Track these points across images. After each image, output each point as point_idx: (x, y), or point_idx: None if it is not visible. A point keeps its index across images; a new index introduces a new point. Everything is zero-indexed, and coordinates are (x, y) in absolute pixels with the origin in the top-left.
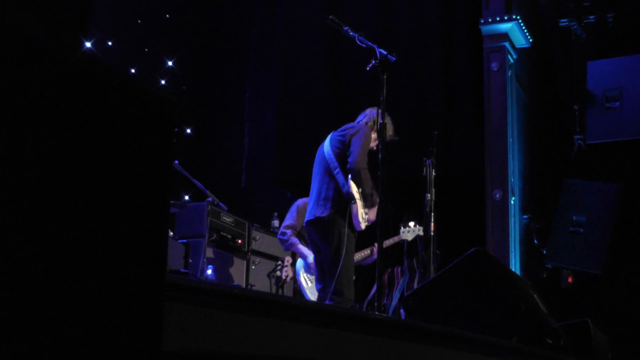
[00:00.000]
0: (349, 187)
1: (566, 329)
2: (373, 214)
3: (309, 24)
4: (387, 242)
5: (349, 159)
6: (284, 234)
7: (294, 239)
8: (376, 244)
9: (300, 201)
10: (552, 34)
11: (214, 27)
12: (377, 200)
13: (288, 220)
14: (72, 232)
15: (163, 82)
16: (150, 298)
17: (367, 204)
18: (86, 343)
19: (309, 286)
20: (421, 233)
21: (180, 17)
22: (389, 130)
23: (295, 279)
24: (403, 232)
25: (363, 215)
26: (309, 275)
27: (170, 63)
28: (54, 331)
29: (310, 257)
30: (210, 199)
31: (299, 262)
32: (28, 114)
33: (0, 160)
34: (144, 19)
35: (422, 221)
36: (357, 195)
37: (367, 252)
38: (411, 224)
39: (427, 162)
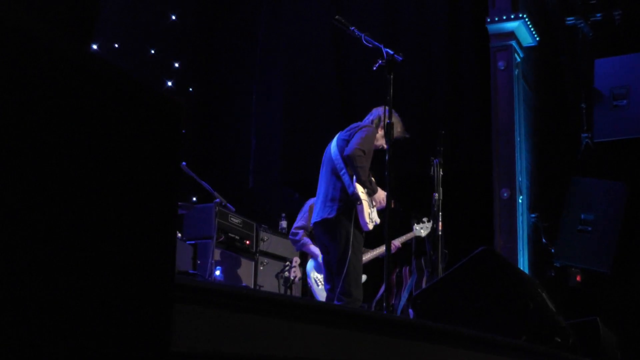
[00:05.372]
0: (355, 187)
1: (575, 328)
2: (381, 200)
3: (315, 24)
4: (401, 240)
5: (346, 147)
6: (295, 234)
7: (306, 239)
8: (396, 240)
9: (311, 201)
10: (558, 32)
11: (220, 28)
12: (376, 187)
13: (300, 221)
14: (80, 235)
15: (170, 83)
16: (159, 299)
17: (368, 192)
18: (95, 344)
19: (319, 287)
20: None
21: (186, 18)
22: (398, 127)
23: (306, 279)
24: (416, 229)
25: (370, 216)
26: (319, 276)
27: (176, 64)
28: (63, 332)
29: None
30: (217, 200)
31: (310, 263)
32: (34, 115)
33: (7, 162)
34: (150, 21)
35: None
36: (363, 196)
37: (381, 249)
38: (424, 219)
39: (435, 161)
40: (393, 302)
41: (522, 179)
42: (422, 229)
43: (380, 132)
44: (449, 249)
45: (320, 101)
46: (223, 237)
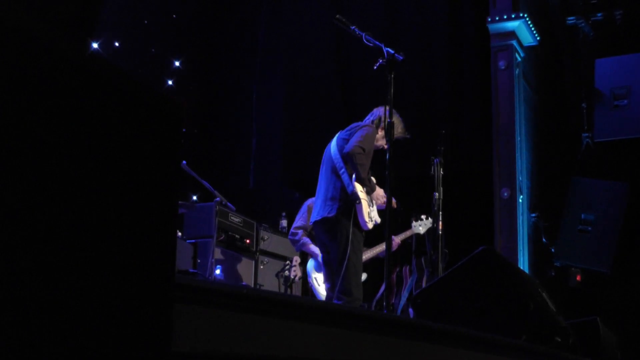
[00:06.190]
0: (354, 187)
1: (575, 328)
2: (380, 199)
3: (315, 24)
4: (400, 237)
5: (346, 145)
6: (294, 234)
7: (306, 239)
8: (395, 236)
9: (310, 201)
10: (559, 32)
11: (221, 27)
12: (375, 185)
13: (299, 221)
14: (80, 234)
15: (170, 82)
16: (160, 299)
17: (367, 190)
18: (96, 344)
19: (320, 287)
20: (432, 225)
21: (187, 17)
22: (399, 128)
23: (306, 279)
24: (415, 226)
25: (370, 215)
26: (320, 276)
27: (177, 63)
28: (63, 332)
29: None
30: (218, 199)
31: (310, 263)
32: (34, 115)
33: (7, 162)
34: (151, 20)
35: (432, 216)
36: (362, 195)
37: (382, 246)
38: (422, 217)
39: (435, 160)
40: (393, 301)
41: (522, 178)
42: (420, 226)
43: (381, 133)
44: (449, 248)
45: (320, 101)
46: (223, 236)
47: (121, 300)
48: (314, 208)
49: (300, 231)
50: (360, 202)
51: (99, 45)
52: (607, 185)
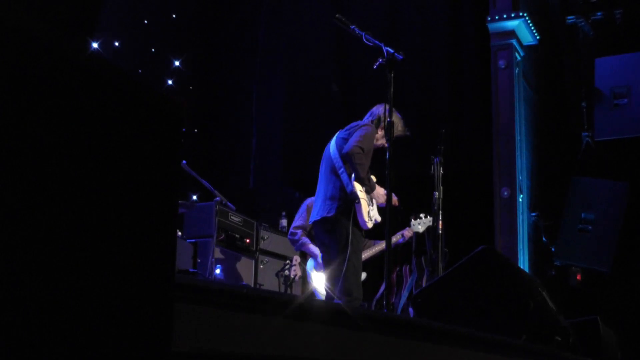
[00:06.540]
0: (353, 186)
1: (575, 327)
2: (380, 198)
3: (315, 24)
4: (398, 236)
5: (345, 145)
6: (294, 234)
7: (305, 239)
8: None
9: (309, 200)
10: (559, 31)
11: (221, 27)
12: (375, 184)
13: (298, 221)
14: (80, 234)
15: (170, 82)
16: (160, 298)
17: (366, 190)
18: (96, 344)
19: (320, 286)
20: (432, 224)
21: (187, 17)
22: (399, 126)
23: (306, 279)
24: (414, 224)
25: (369, 214)
26: (320, 275)
27: (177, 63)
28: (63, 332)
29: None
30: (218, 198)
31: (310, 263)
32: (34, 115)
33: (7, 162)
34: (151, 20)
35: (431, 214)
36: (361, 194)
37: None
38: (421, 215)
39: (435, 160)
40: (393, 300)
41: (522, 178)
42: (419, 225)
43: (381, 133)
44: (450, 247)
45: (320, 101)
46: (223, 235)
47: (121, 300)
48: (314, 208)
49: (299, 231)
50: (359, 202)
51: (99, 45)
52: (607, 185)
